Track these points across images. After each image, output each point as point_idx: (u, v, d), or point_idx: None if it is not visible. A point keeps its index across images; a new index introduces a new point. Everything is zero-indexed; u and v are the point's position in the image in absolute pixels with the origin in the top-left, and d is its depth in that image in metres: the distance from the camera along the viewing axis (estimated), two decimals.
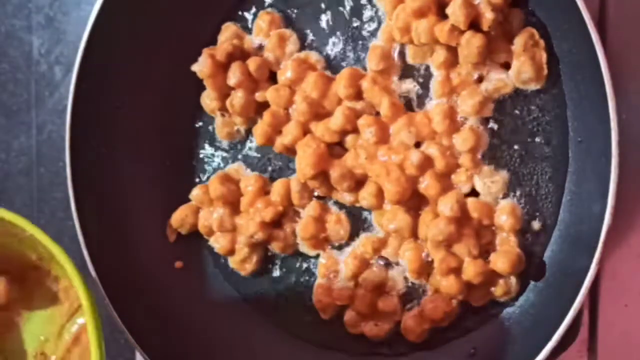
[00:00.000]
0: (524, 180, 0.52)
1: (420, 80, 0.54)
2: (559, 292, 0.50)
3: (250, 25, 0.57)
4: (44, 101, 0.65)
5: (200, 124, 0.59)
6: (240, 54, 0.56)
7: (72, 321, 0.52)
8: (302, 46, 0.56)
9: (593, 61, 0.46)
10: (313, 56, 0.56)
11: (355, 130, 0.54)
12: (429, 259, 0.53)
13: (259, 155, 0.58)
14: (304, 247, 0.56)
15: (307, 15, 0.56)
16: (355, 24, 0.55)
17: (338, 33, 0.56)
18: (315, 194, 0.55)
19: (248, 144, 0.58)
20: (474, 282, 0.51)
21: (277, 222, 0.56)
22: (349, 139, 0.54)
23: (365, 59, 0.54)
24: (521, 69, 0.51)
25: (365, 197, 0.53)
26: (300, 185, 0.55)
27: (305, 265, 0.57)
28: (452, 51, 0.51)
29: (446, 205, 0.51)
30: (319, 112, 0.54)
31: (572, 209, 0.51)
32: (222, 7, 0.57)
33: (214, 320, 0.58)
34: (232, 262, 0.57)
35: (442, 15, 0.50)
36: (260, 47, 0.57)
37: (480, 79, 0.52)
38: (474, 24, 0.50)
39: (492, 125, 0.52)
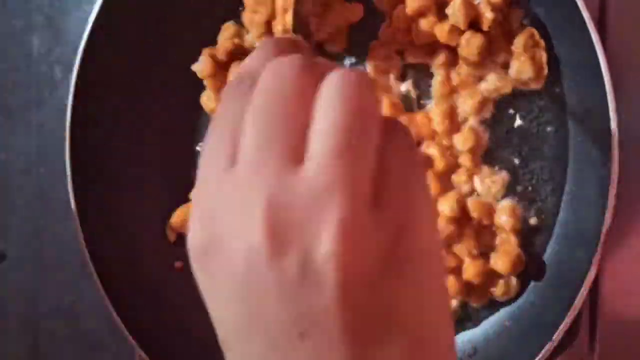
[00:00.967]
0: (524, 180, 0.52)
1: (419, 80, 0.54)
2: (559, 292, 0.50)
3: None
4: (44, 101, 0.65)
5: (200, 123, 0.59)
6: (241, 53, 0.56)
7: None
8: None
9: (593, 61, 0.46)
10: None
11: None
12: None
13: None
14: None
15: None
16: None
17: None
18: None
19: None
20: (473, 282, 0.51)
21: None
22: None
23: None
24: (521, 69, 0.50)
25: None
26: None
27: None
28: (452, 51, 0.51)
29: (446, 205, 0.51)
30: None
31: (572, 209, 0.51)
32: (222, 7, 0.57)
33: None
34: None
35: (442, 15, 0.50)
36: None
37: (480, 79, 0.52)
38: (474, 24, 0.50)
39: (493, 124, 0.52)
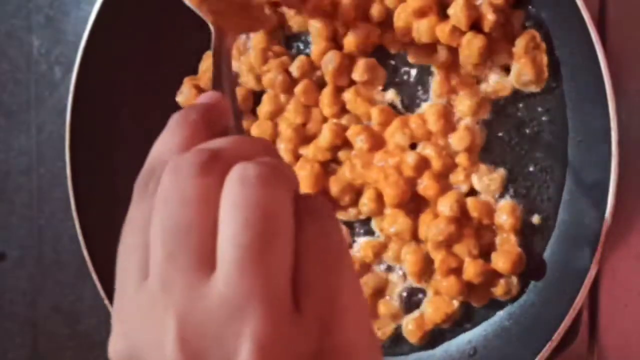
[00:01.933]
0: (524, 180, 0.52)
1: (413, 83, 0.54)
2: (559, 292, 0.50)
3: None
4: (44, 101, 0.65)
5: None
6: None
7: None
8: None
9: (593, 61, 0.46)
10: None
11: (345, 145, 0.54)
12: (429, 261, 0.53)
13: None
14: None
15: None
16: None
17: None
18: None
19: None
20: (474, 282, 0.51)
21: None
22: (342, 154, 0.54)
23: None
24: (521, 72, 0.50)
25: (365, 202, 0.53)
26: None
27: None
28: (453, 51, 0.51)
29: (445, 206, 0.51)
30: (305, 136, 0.54)
31: (572, 208, 0.51)
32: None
33: None
34: None
35: (443, 15, 0.50)
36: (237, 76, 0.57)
37: (479, 80, 0.52)
38: (475, 25, 0.50)
39: (491, 124, 0.52)
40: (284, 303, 0.25)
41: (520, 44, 0.50)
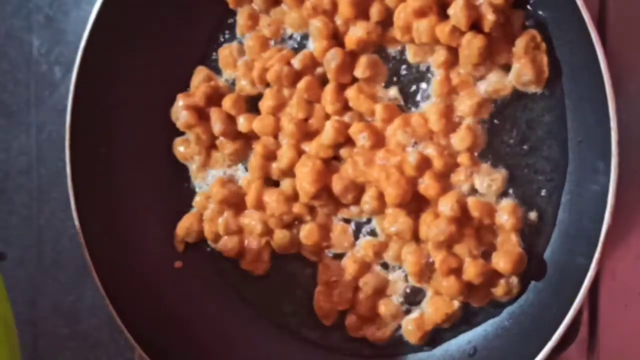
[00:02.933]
0: (524, 180, 0.52)
1: (413, 82, 0.54)
2: (558, 291, 0.50)
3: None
4: (44, 101, 0.65)
5: None
6: (216, 96, 0.56)
7: None
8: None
9: (593, 61, 0.46)
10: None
11: (348, 142, 0.54)
12: (430, 261, 0.53)
13: None
14: (305, 252, 0.56)
15: None
16: None
17: None
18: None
19: None
20: (475, 283, 0.51)
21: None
22: (344, 151, 0.54)
23: None
24: (521, 72, 0.50)
25: (367, 201, 0.53)
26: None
27: (308, 270, 0.57)
28: (453, 51, 0.51)
29: (446, 205, 0.51)
30: (308, 132, 0.54)
31: (572, 208, 0.51)
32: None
33: (214, 321, 0.58)
34: (244, 264, 0.57)
35: (443, 15, 0.50)
36: (233, 82, 0.57)
37: (479, 80, 0.52)
38: (475, 25, 0.50)
39: (492, 124, 0.52)
40: None
41: (520, 44, 0.50)
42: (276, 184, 0.56)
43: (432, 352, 0.54)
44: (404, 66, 0.54)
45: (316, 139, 0.54)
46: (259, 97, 0.56)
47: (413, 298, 0.54)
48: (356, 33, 0.53)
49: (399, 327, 0.55)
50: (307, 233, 0.55)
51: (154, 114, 0.58)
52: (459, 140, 0.52)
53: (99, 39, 0.54)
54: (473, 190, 0.52)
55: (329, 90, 0.54)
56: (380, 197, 0.52)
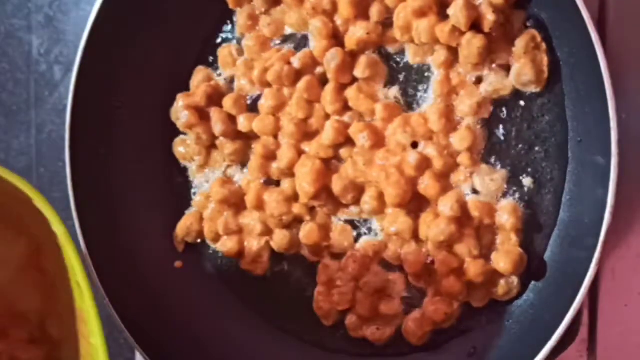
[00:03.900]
0: (524, 180, 0.52)
1: (413, 82, 0.54)
2: (558, 292, 0.50)
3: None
4: (44, 101, 0.65)
5: None
6: (216, 96, 0.56)
7: None
8: None
9: (593, 61, 0.46)
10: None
11: (347, 142, 0.54)
12: (430, 261, 0.52)
13: None
14: (305, 252, 0.56)
15: None
16: None
17: None
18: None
19: None
20: (475, 283, 0.51)
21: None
22: (344, 152, 0.54)
23: None
24: (521, 72, 0.50)
25: (367, 201, 0.53)
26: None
27: (308, 270, 0.57)
28: (453, 51, 0.51)
29: (446, 205, 0.51)
30: (307, 132, 0.54)
31: (572, 209, 0.51)
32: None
33: (214, 321, 0.58)
34: (244, 264, 0.57)
35: (443, 15, 0.50)
36: (231, 81, 0.57)
37: (479, 80, 0.52)
38: (475, 25, 0.50)
39: (492, 124, 0.52)
40: None
41: (520, 44, 0.50)
42: (276, 184, 0.56)
43: (432, 352, 0.54)
44: (403, 66, 0.54)
45: (316, 139, 0.54)
46: (259, 96, 0.56)
47: (413, 298, 0.54)
48: (356, 33, 0.53)
49: (399, 327, 0.54)
50: (307, 233, 0.55)
51: (154, 114, 0.58)
52: (459, 140, 0.52)
53: (99, 39, 0.54)
54: (473, 191, 0.52)
55: (329, 90, 0.54)
56: (380, 197, 0.52)
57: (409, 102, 0.54)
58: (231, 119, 0.56)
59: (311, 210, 0.55)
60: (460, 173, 0.52)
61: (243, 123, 0.55)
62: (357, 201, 0.54)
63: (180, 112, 0.56)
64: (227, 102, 0.56)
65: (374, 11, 0.52)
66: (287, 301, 0.57)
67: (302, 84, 0.54)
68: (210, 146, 0.57)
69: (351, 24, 0.53)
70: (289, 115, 0.54)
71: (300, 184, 0.53)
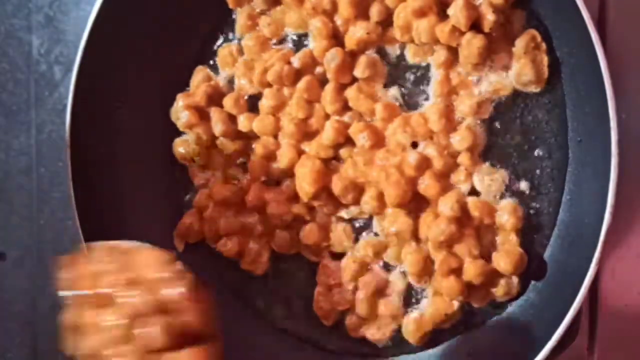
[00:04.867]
0: (524, 180, 0.52)
1: (413, 82, 0.54)
2: (558, 291, 0.50)
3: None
4: (44, 101, 0.65)
5: None
6: (216, 96, 0.56)
7: None
8: None
9: (593, 61, 0.46)
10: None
11: (347, 142, 0.54)
12: (430, 261, 0.52)
13: None
14: (305, 252, 0.56)
15: None
16: None
17: None
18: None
19: None
20: (474, 283, 0.51)
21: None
22: (344, 152, 0.54)
23: None
24: (522, 72, 0.50)
25: (367, 201, 0.53)
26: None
27: (308, 270, 0.57)
28: (453, 51, 0.51)
29: (446, 205, 0.51)
30: (307, 132, 0.54)
31: (572, 209, 0.51)
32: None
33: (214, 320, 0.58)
34: (244, 264, 0.57)
35: (443, 15, 0.50)
36: (231, 80, 0.57)
37: (479, 80, 0.52)
38: (475, 25, 0.50)
39: (492, 124, 0.52)
40: None
41: (520, 44, 0.50)
42: (276, 184, 0.56)
43: (432, 352, 0.54)
44: (403, 66, 0.54)
45: (316, 139, 0.54)
46: (258, 96, 0.56)
47: (413, 298, 0.54)
48: (356, 33, 0.53)
49: (399, 327, 0.54)
50: (307, 233, 0.55)
51: (153, 114, 0.58)
52: (460, 140, 0.52)
53: (99, 39, 0.54)
54: (473, 190, 0.52)
55: (328, 90, 0.54)
56: (380, 197, 0.52)
57: (408, 102, 0.54)
58: (231, 118, 0.56)
59: (311, 210, 0.55)
60: (460, 173, 0.52)
61: (243, 122, 0.55)
62: (357, 201, 0.54)
63: (181, 112, 0.56)
64: (228, 101, 0.56)
65: (374, 11, 0.52)
66: (287, 301, 0.57)
67: (302, 83, 0.54)
68: (211, 146, 0.57)
69: (351, 24, 0.53)
70: (289, 115, 0.54)
71: (300, 183, 0.53)
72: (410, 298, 0.54)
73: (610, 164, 0.46)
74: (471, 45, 0.50)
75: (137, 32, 0.56)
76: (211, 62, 0.58)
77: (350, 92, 0.54)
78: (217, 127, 0.55)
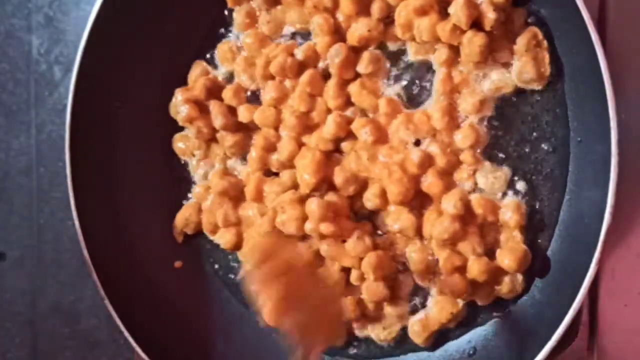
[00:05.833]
0: (524, 179, 0.52)
1: (416, 79, 0.54)
2: (558, 291, 0.50)
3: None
4: (44, 101, 0.65)
5: None
6: (215, 89, 0.56)
7: None
8: None
9: (593, 61, 0.46)
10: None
11: (348, 136, 0.54)
12: (434, 259, 0.52)
13: None
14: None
15: None
16: None
17: None
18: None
19: None
20: (478, 280, 0.51)
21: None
22: (346, 145, 0.54)
23: None
24: (523, 69, 0.50)
25: (370, 198, 0.53)
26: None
27: None
28: (454, 49, 0.51)
29: (449, 203, 0.51)
30: (308, 125, 0.54)
31: (572, 209, 0.51)
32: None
33: (214, 320, 0.58)
34: (241, 254, 0.57)
35: (444, 14, 0.50)
36: (230, 76, 0.57)
37: (481, 78, 0.52)
38: (476, 23, 0.50)
39: (493, 123, 0.52)
40: None
41: (521, 41, 0.50)
42: (276, 176, 0.56)
43: (432, 352, 0.54)
44: (405, 63, 0.54)
45: (317, 132, 0.54)
46: (258, 93, 0.56)
47: (418, 299, 0.54)
48: (358, 30, 0.52)
49: (405, 327, 0.54)
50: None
51: (153, 113, 0.58)
52: (462, 137, 0.52)
53: (99, 39, 0.54)
54: (476, 188, 0.52)
55: (331, 85, 0.54)
56: (383, 194, 0.52)
57: (411, 100, 0.54)
58: (231, 111, 0.56)
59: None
60: (463, 171, 0.52)
61: (243, 113, 0.55)
62: (359, 195, 0.54)
63: (180, 106, 0.56)
64: (227, 93, 0.55)
65: (375, 8, 0.52)
66: None
67: (305, 77, 0.54)
68: (211, 140, 0.57)
69: (353, 21, 0.53)
70: (291, 108, 0.54)
71: (301, 175, 0.53)
72: (415, 298, 0.54)
73: (610, 164, 0.46)
74: (472, 43, 0.50)
75: (137, 32, 0.56)
76: (210, 60, 0.58)
77: (353, 88, 0.53)
78: (217, 120, 0.55)
